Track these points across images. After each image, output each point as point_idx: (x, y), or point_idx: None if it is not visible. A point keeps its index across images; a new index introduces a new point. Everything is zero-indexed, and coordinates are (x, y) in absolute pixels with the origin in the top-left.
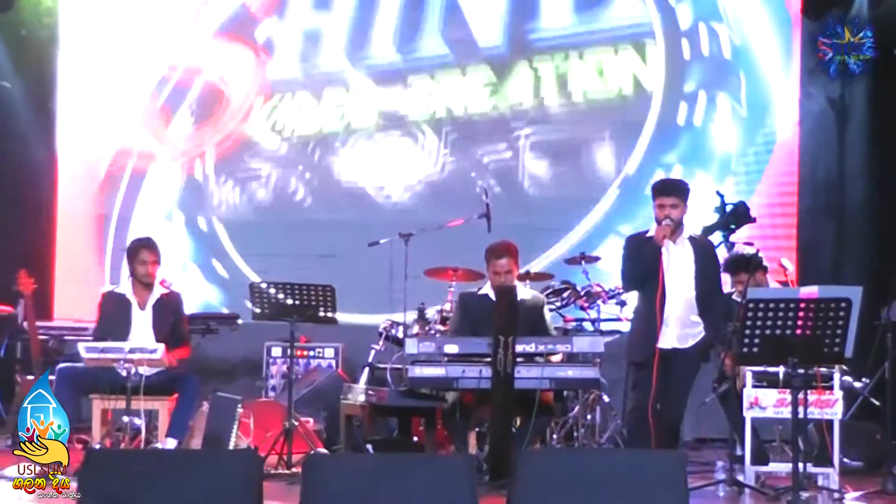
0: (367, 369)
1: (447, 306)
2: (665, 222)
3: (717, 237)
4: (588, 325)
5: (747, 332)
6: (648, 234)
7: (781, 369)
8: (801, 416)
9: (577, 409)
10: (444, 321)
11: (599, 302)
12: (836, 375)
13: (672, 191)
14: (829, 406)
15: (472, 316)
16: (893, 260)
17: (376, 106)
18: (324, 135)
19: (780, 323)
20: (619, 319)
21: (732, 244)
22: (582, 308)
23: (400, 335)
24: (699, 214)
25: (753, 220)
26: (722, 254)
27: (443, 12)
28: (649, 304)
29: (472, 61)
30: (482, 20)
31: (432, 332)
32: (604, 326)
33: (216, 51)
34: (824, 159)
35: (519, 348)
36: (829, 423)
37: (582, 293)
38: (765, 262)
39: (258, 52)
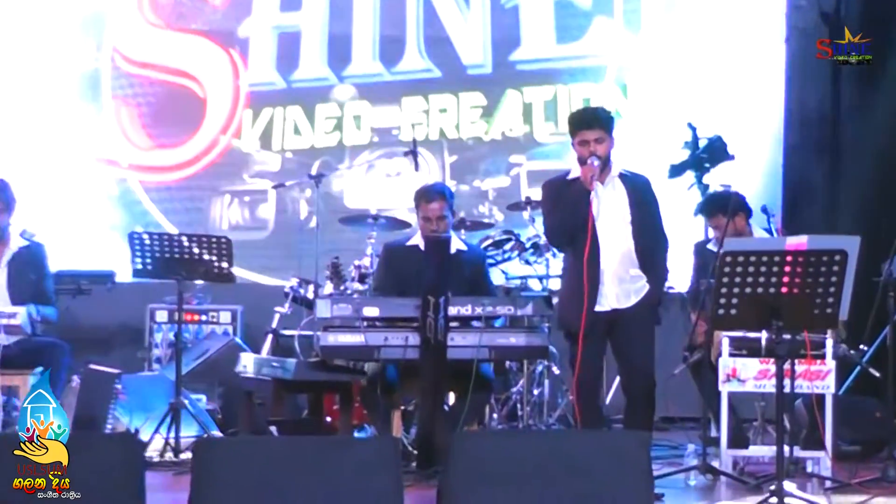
0: (270, 337)
1: (366, 260)
2: (591, 161)
3: (688, 178)
4: (535, 284)
5: (723, 290)
6: (571, 177)
7: (764, 335)
8: (787, 390)
9: (521, 383)
10: (362, 278)
11: (549, 255)
12: (829, 342)
13: (594, 122)
14: (821, 378)
15: (398, 271)
16: None
17: (370, 124)
18: (318, 151)
19: (762, 280)
20: None
21: (707, 186)
22: (528, 263)
23: (310, 295)
24: (667, 150)
25: (732, 158)
26: (695, 198)
27: (422, 25)
28: (578, 261)
29: (461, 83)
30: (464, 38)
31: (349, 291)
32: (553, 285)
33: (180, 45)
34: (816, 86)
35: (452, 311)
36: (821, 398)
37: (528, 245)
38: (748, 205)
39: (228, 51)
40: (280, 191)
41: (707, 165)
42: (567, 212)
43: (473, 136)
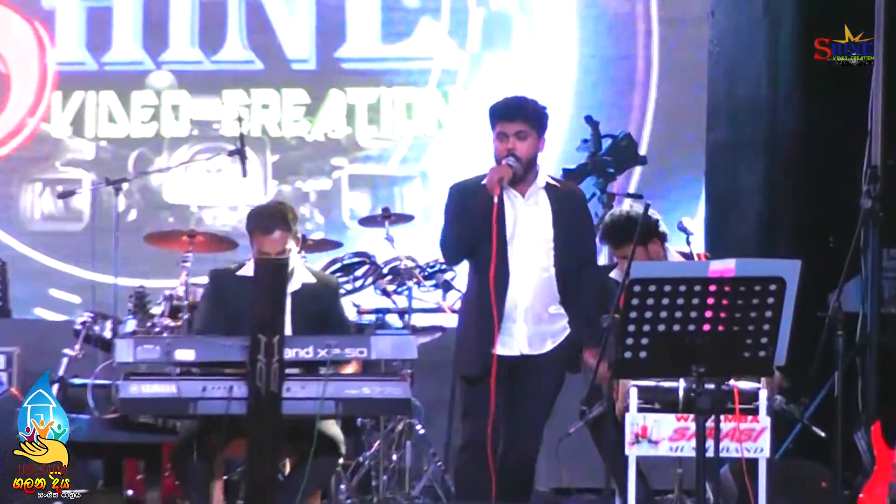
0: (57, 386)
1: (180, 289)
2: (506, 161)
3: (588, 186)
4: (394, 320)
5: (631, 328)
6: (485, 182)
7: (681, 384)
8: (710, 453)
9: (377, 445)
10: (174, 313)
11: (412, 283)
12: (763, 393)
13: (517, 112)
14: (752, 439)
15: (229, 307)
16: (847, 220)
17: (189, 116)
18: (135, 142)
19: (679, 315)
20: (440, 310)
21: (612, 196)
22: (385, 293)
23: (108, 334)
24: (561, 151)
25: (644, 161)
26: (595, 211)
27: (244, 12)
28: (482, 287)
29: (284, 78)
30: (288, 29)
31: (157, 329)
32: (418, 320)
33: None
34: (747, 69)
35: (289, 353)
36: (753, 463)
37: (385, 271)
38: (662, 227)
39: (32, 23)
40: (95, 181)
41: (612, 170)
42: (466, 222)
43: (296, 135)
